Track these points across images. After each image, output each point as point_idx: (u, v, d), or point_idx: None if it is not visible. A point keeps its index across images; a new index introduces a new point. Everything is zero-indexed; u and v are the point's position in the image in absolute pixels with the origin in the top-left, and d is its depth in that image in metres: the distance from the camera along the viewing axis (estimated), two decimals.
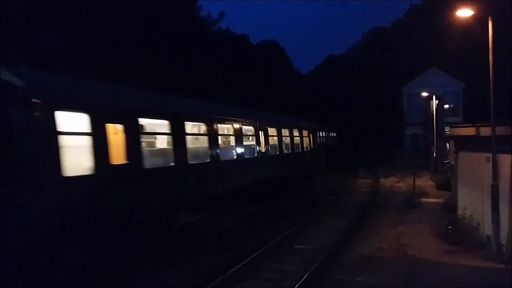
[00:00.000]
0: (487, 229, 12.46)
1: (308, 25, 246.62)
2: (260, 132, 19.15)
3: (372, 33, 75.18)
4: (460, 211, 14.56)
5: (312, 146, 28.05)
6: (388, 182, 30.23)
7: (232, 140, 16.91)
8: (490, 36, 12.46)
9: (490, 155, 12.15)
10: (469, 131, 14.83)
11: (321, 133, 34.19)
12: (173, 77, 29.95)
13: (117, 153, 10.27)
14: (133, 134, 10.89)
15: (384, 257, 11.99)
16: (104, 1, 25.91)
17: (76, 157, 9.35)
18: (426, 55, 48.80)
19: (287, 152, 23.05)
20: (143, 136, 11.70)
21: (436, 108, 34.31)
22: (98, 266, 9.44)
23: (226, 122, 16.31)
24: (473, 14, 12.93)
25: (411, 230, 15.14)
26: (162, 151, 13.01)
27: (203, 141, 14.67)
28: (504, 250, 11.72)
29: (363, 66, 65.71)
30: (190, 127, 14.25)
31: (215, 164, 14.83)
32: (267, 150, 19.79)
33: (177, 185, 12.70)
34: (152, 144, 12.99)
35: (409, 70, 48.37)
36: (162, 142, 13.25)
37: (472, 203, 13.80)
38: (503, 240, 11.88)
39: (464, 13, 13.12)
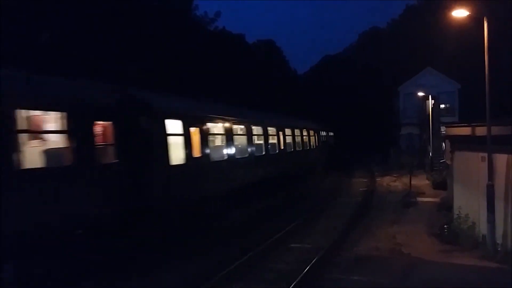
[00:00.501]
0: (483, 228, 12.50)
1: (305, 25, 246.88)
2: (279, 132, 23.01)
3: (368, 33, 75.40)
4: (455, 211, 14.60)
5: (317, 144, 32.40)
6: (384, 181, 30.29)
7: (262, 140, 20.54)
8: (485, 36, 12.51)
9: (485, 154, 12.20)
10: (465, 130, 14.91)
11: (322, 132, 37.02)
12: (169, 76, 29.88)
13: (196, 149, 14.24)
14: (204, 135, 14.86)
15: (379, 256, 12.02)
16: (102, 1, 25.84)
17: (175, 151, 12.98)
18: (422, 55, 48.90)
19: (298, 149, 26.72)
20: (209, 136, 15.57)
21: (432, 108, 34.41)
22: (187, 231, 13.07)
23: (258, 125, 20.26)
24: (469, 15, 12.98)
25: (407, 229, 15.17)
26: (219, 147, 16.89)
27: (243, 141, 18.63)
28: (499, 249, 11.77)
29: (359, 66, 65.82)
30: (238, 129, 18.28)
31: (252, 158, 19.11)
32: (285, 148, 23.62)
33: (229, 174, 16.78)
34: (213, 142, 16.63)
35: (405, 70, 48.46)
36: (219, 141, 17.17)
37: (467, 203, 13.84)
38: (499, 239, 11.93)
39: (460, 13, 13.17)
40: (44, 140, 9.67)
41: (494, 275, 10.28)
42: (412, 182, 24.48)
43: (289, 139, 24.51)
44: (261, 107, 30.63)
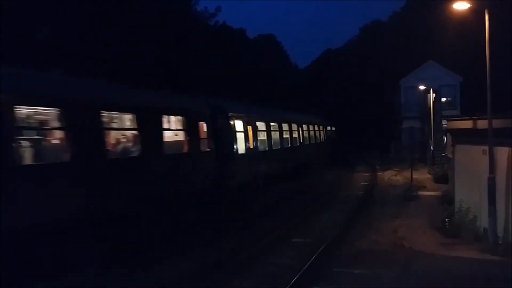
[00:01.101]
0: (484, 221, 12.51)
1: (305, 19, 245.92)
2: (299, 128, 27.93)
3: (369, 27, 74.91)
4: (457, 204, 14.62)
5: (326, 138, 37.67)
6: (386, 175, 30.30)
7: (288, 134, 25.48)
8: (486, 29, 12.46)
9: (487, 148, 12.19)
10: (466, 124, 14.83)
11: (328, 127, 40.77)
12: (168, 72, 29.85)
13: (250, 142, 19.27)
14: (254, 131, 19.86)
15: (381, 250, 12.05)
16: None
17: (240, 144, 18.11)
18: (423, 48, 48.69)
19: (312, 142, 31.54)
20: (257, 132, 20.29)
21: (433, 102, 34.36)
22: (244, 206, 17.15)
23: (285, 123, 25.18)
24: (470, 7, 12.92)
25: (408, 223, 15.21)
26: (263, 141, 21.31)
27: (276, 135, 23.34)
28: (500, 242, 11.79)
29: (360, 60, 65.54)
30: (273, 126, 22.84)
31: (282, 149, 24.10)
32: (303, 141, 28.68)
33: (268, 162, 21.36)
34: (259, 137, 20.81)
35: (406, 64, 48.27)
36: (262, 136, 21.38)
37: (469, 196, 13.85)
38: (500, 232, 11.95)
39: (461, 6, 13.11)
40: (176, 135, 14.14)
41: (496, 268, 10.30)
42: (414, 176, 24.49)
43: (306, 134, 29.58)
44: (262, 102, 31.10)
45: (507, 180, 11.82)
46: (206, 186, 15.00)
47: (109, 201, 10.48)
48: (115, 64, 24.37)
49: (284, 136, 24.79)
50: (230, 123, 17.39)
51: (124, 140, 11.96)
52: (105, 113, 10.78)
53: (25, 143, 9.02)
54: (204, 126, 15.38)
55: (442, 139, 29.50)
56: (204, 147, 15.25)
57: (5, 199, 7.95)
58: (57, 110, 9.37)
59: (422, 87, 37.55)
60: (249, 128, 19.21)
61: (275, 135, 23.12)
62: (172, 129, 13.78)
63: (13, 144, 8.38)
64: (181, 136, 14.07)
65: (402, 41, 54.85)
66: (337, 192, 23.53)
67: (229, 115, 17.43)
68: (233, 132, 17.68)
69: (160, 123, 12.86)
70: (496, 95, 12.89)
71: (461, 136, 15.22)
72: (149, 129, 12.18)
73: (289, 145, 25.40)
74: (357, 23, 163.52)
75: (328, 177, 30.12)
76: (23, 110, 8.96)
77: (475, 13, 13.63)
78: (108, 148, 11.02)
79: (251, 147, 19.32)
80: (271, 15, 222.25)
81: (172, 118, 13.76)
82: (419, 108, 42.14)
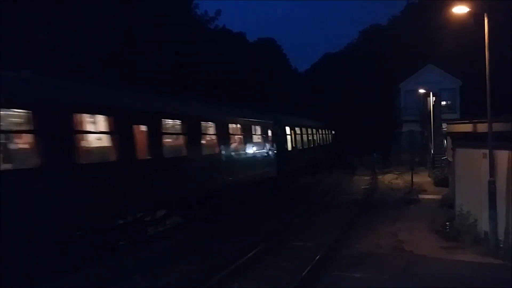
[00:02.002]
0: (485, 225, 12.48)
1: (305, 22, 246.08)
2: (316, 132, 34.60)
3: (368, 31, 75.08)
4: (457, 208, 14.59)
5: (331, 140, 42.95)
6: (386, 179, 30.28)
7: (311, 137, 32.55)
8: (486, 32, 12.47)
9: (487, 151, 12.18)
10: (466, 127, 14.81)
11: (331, 131, 44.69)
12: (169, 76, 29.87)
13: (293, 143, 27.03)
14: (295, 135, 27.61)
15: (381, 253, 12.02)
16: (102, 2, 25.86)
17: (288, 144, 25.21)
18: (423, 52, 48.74)
19: (323, 144, 37.38)
20: (296, 135, 27.72)
21: (433, 105, 34.38)
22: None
23: (309, 128, 32.33)
24: (469, 11, 12.94)
25: (409, 226, 15.17)
26: (299, 142, 28.67)
27: (305, 137, 30.56)
28: (501, 245, 11.76)
29: (360, 64, 65.62)
30: (304, 130, 30.27)
31: (309, 149, 31.46)
32: (318, 143, 35.46)
33: (301, 158, 28.88)
34: (297, 139, 28.17)
35: (406, 67, 48.30)
36: (299, 138, 28.62)
37: (469, 199, 13.82)
38: (501, 236, 11.91)
39: (460, 10, 13.13)
40: (259, 139, 20.90)
41: (496, 272, 10.27)
42: (414, 180, 24.47)
43: (319, 137, 35.78)
44: (262, 105, 31.45)
45: (507, 183, 11.79)
46: (271, 172, 22.38)
47: (213, 185, 16.24)
48: (114, 68, 24.38)
49: (308, 139, 31.78)
50: (283, 129, 25.18)
51: (232, 143, 18.25)
52: (209, 124, 16.54)
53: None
54: (270, 132, 22.59)
55: (442, 142, 29.49)
56: (271, 146, 22.54)
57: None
58: (179, 122, 14.55)
59: (421, 91, 37.58)
60: (292, 132, 27.07)
61: (304, 138, 30.19)
62: (258, 134, 21.01)
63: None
64: (261, 139, 21.33)
65: (402, 45, 54.92)
66: (337, 195, 23.53)
67: (282, 124, 25.13)
68: (285, 135, 25.53)
69: (252, 131, 20.31)
70: (496, 98, 12.89)
71: (461, 140, 15.19)
72: (248, 135, 19.63)
73: (311, 146, 32.53)
74: (356, 27, 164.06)
75: (329, 180, 30.13)
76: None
77: (475, 17, 13.65)
78: (216, 147, 16.80)
79: (294, 146, 27.33)
80: (271, 19, 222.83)
81: (258, 127, 20.98)
82: (419, 112, 42.19)
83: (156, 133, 13.12)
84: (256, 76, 47.64)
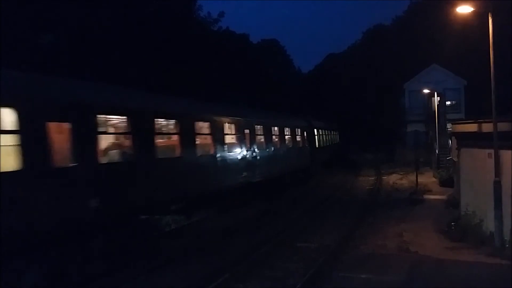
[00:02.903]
0: (490, 225, 12.44)
1: (308, 24, 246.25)
2: (329, 132, 39.92)
3: (372, 31, 74.96)
4: (463, 208, 14.54)
5: (338, 141, 47.90)
6: (391, 179, 30.22)
7: (327, 137, 39.20)
8: (490, 32, 12.44)
9: (492, 151, 12.14)
10: (471, 127, 14.77)
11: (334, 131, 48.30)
12: (172, 77, 29.94)
13: (320, 141, 34.63)
14: (318, 135, 33.81)
15: (387, 254, 11.99)
16: (102, 1, 25.93)
17: (316, 142, 32.66)
18: (427, 52, 48.63)
19: (331, 143, 41.75)
20: (319, 135, 34.41)
21: (437, 105, 34.28)
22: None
23: (325, 129, 38.27)
24: (473, 10, 12.91)
25: (414, 227, 15.13)
26: (321, 140, 34.97)
27: (324, 137, 36.77)
28: (507, 245, 11.71)
29: (364, 64, 65.52)
30: (324, 131, 37.13)
31: (326, 147, 37.55)
32: (331, 142, 41.61)
33: (322, 154, 35.41)
34: (320, 138, 34.51)
35: (410, 67, 48.21)
36: (321, 138, 35.17)
37: (475, 199, 13.78)
38: (506, 235, 11.87)
39: (464, 9, 13.11)
40: (299, 138, 27.90)
41: (502, 272, 10.22)
42: (419, 180, 24.40)
43: (331, 137, 41.43)
44: (265, 106, 31.81)
45: None
46: (306, 163, 28.99)
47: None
48: (117, 69, 24.44)
49: (325, 139, 37.61)
50: (313, 131, 31.61)
51: (288, 142, 25.22)
52: (275, 129, 23.10)
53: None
54: (305, 133, 29.32)
55: (447, 142, 29.40)
56: (305, 144, 29.31)
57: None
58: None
59: (426, 91, 37.48)
60: (318, 133, 33.74)
61: (322, 138, 36.35)
62: (300, 135, 28.14)
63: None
64: (302, 138, 28.59)
65: (406, 45, 54.79)
66: (342, 196, 23.50)
67: (313, 127, 31.90)
68: (314, 135, 31.89)
69: (297, 132, 27.42)
70: (500, 98, 12.85)
71: (466, 140, 15.14)
72: (293, 136, 26.49)
73: (327, 144, 38.40)
74: (360, 28, 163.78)
75: (332, 181, 30.09)
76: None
77: (479, 16, 13.61)
78: (279, 145, 23.47)
79: (319, 144, 34.11)
80: (275, 20, 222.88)
81: (299, 129, 28.21)
82: (424, 112, 42.08)
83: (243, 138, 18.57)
84: (258, 77, 47.66)
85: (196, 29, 36.85)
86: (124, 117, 11.43)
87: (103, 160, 10.83)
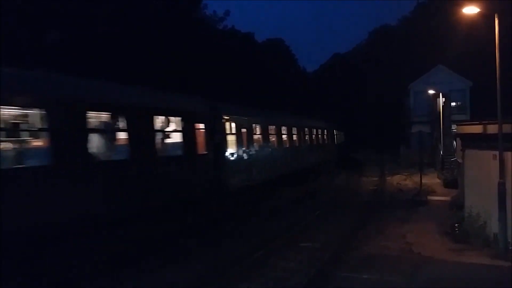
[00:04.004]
0: (494, 227, 12.38)
1: (314, 23, 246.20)
2: (336, 132, 41.84)
3: (378, 31, 74.87)
4: (467, 209, 14.47)
5: (344, 140, 50.57)
6: (395, 180, 30.14)
7: (339, 137, 44.11)
8: (496, 33, 12.38)
9: (497, 152, 12.08)
10: (476, 128, 14.74)
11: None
12: (177, 76, 29.97)
13: (337, 140, 42.43)
14: (335, 135, 40.45)
15: (389, 255, 11.96)
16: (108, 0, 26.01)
17: (335, 141, 40.39)
18: (433, 53, 48.50)
19: (336, 143, 43.12)
20: (335, 135, 40.53)
21: (442, 106, 34.14)
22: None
23: (336, 130, 41.69)
24: (479, 12, 12.85)
25: (417, 228, 15.09)
26: (337, 139, 41.93)
27: (338, 138, 43.04)
28: (511, 248, 11.65)
29: (369, 64, 65.44)
30: (336, 132, 41.02)
31: (337, 145, 41.19)
32: (340, 142, 45.41)
33: (338, 151, 41.63)
34: (336, 138, 41.05)
35: (416, 68, 48.10)
36: (336, 138, 41.33)
37: (479, 201, 13.71)
38: (510, 238, 11.81)
39: (471, 10, 13.05)
40: (326, 137, 35.48)
41: (506, 274, 10.17)
42: (423, 181, 24.30)
43: (338, 137, 44.30)
44: (269, 106, 31.75)
45: None
46: (335, 157, 37.28)
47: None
48: (122, 67, 24.47)
49: (336, 138, 41.16)
50: (333, 131, 38.83)
51: (325, 140, 34.32)
52: (319, 131, 32.32)
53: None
54: (325, 132, 34.74)
55: (452, 143, 29.28)
56: (330, 141, 36.47)
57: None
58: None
59: (431, 92, 37.33)
60: (335, 133, 40.08)
61: (335, 137, 40.67)
62: (325, 134, 34.29)
63: None
64: (326, 137, 34.58)
65: (411, 45, 54.73)
66: (345, 196, 23.45)
67: (334, 128, 39.36)
68: (335, 135, 39.56)
69: (331, 133, 36.18)
70: (506, 99, 12.79)
71: (471, 141, 15.08)
72: (329, 135, 36.01)
73: (337, 143, 41.91)
74: (366, 28, 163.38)
75: (336, 181, 30.07)
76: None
77: (485, 17, 13.55)
78: (321, 141, 32.52)
79: (337, 142, 40.93)
80: (280, 19, 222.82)
81: (325, 131, 34.47)
82: (429, 113, 41.91)
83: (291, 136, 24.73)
84: (264, 76, 47.65)
85: (201, 28, 36.89)
86: (308, 129, 28.61)
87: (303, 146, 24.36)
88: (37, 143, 9.34)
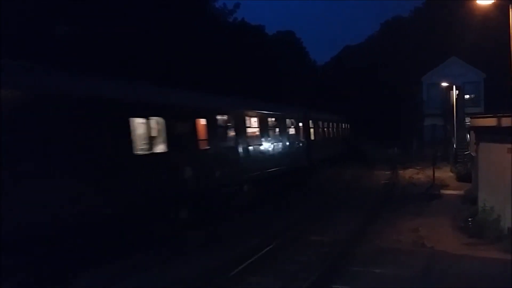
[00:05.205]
0: (508, 221, 12.27)
1: (325, 15, 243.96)
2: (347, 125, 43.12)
3: (390, 23, 74.00)
4: (480, 203, 14.33)
5: (355, 132, 51.10)
6: (407, 173, 29.94)
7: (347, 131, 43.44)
8: (510, 24, 12.17)
9: (511, 146, 11.91)
10: (490, 121, 14.52)
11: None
12: (187, 71, 29.98)
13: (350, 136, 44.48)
14: (346, 127, 41.87)
15: (402, 249, 11.91)
16: None
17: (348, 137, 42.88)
18: (446, 44, 47.87)
19: (351, 135, 45.79)
20: (347, 129, 42.59)
21: (456, 99, 33.78)
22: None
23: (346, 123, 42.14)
24: (494, 2, 12.65)
25: (430, 222, 14.99)
26: (350, 131, 44.72)
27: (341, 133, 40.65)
28: None
29: (381, 56, 64.81)
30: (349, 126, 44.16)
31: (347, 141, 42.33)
32: (350, 134, 45.09)
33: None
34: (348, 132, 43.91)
35: (429, 60, 47.56)
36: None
37: (493, 195, 13.57)
38: None
39: (484, 1, 12.86)
40: (345, 131, 40.76)
41: None
42: (436, 175, 24.08)
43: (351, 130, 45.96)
44: (280, 99, 31.88)
45: None
46: (346, 149, 38.87)
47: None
48: (130, 61, 24.50)
49: (350, 131, 44.29)
50: (348, 127, 41.82)
51: (343, 133, 39.01)
52: (334, 125, 35.07)
53: None
54: (341, 125, 37.80)
55: (465, 137, 28.98)
56: (345, 133, 39.86)
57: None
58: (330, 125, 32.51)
59: (444, 84, 36.95)
60: (348, 127, 42.02)
61: (350, 130, 43.76)
62: (343, 128, 38.40)
63: None
64: (344, 131, 39.44)
65: (424, 37, 54.03)
66: (357, 190, 23.39)
67: (346, 120, 40.73)
68: (348, 130, 42.54)
69: (341, 127, 37.75)
70: None
71: (485, 134, 14.90)
72: (345, 130, 40.33)
73: (351, 135, 44.61)
74: (378, 19, 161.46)
75: (348, 175, 29.97)
76: None
77: (499, 8, 13.33)
78: (336, 135, 35.61)
79: (349, 135, 42.62)
80: (291, 11, 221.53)
81: (346, 125, 39.88)
82: (442, 105, 41.52)
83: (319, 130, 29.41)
84: (274, 68, 47.50)
85: (213, 21, 36.84)
86: (330, 124, 33.76)
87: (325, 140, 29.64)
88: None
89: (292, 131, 22.90)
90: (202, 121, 14.04)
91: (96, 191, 9.93)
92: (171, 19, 30.16)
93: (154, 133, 11.75)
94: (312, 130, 26.92)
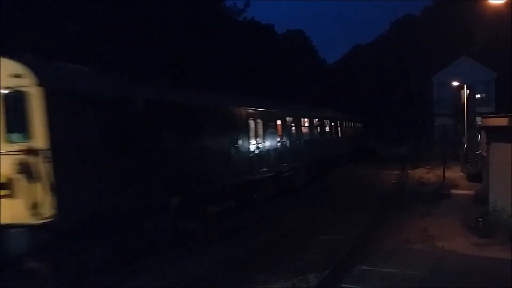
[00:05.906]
0: None
1: (334, 14, 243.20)
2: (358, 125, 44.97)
3: (400, 22, 73.63)
4: (491, 203, 14.23)
5: (365, 131, 52.50)
6: (417, 173, 29.79)
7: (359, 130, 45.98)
8: None
9: None
10: (502, 121, 14.43)
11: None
12: (198, 70, 30.08)
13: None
14: (360, 129, 45.64)
15: (411, 248, 11.88)
16: None
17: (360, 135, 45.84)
18: (457, 43, 47.53)
19: (362, 133, 47.62)
20: (360, 128, 46.14)
21: (467, 98, 33.55)
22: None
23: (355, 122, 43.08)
24: (505, 1, 12.56)
25: (440, 222, 14.93)
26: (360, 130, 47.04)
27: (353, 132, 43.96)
28: None
29: (391, 55, 64.52)
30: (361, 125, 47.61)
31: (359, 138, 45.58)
32: (360, 133, 46.59)
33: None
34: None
35: (439, 59, 47.24)
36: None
37: (504, 195, 13.46)
38: None
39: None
40: (359, 130, 44.76)
41: None
42: (446, 174, 23.97)
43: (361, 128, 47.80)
44: (290, 98, 31.85)
45: None
46: (357, 147, 40.45)
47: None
48: (140, 59, 24.62)
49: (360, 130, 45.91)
50: (360, 125, 43.90)
51: (356, 132, 42.59)
52: (351, 124, 39.76)
53: None
54: (356, 125, 41.47)
55: (476, 136, 28.76)
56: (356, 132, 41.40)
57: None
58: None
59: (455, 83, 36.71)
60: (361, 126, 44.68)
61: (360, 129, 45.39)
62: (357, 127, 41.95)
63: None
64: (358, 129, 43.35)
65: (435, 36, 53.63)
66: (367, 188, 23.36)
67: (356, 119, 41.85)
68: (361, 128, 44.76)
69: (356, 126, 41.33)
70: None
71: (496, 134, 14.79)
72: (359, 130, 43.53)
73: (361, 134, 46.26)
74: (388, 18, 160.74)
75: (358, 173, 29.93)
76: None
77: (511, 7, 13.23)
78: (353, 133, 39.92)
79: (359, 134, 43.84)
80: (300, 10, 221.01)
81: (359, 124, 43.73)
82: (452, 105, 41.25)
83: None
84: (284, 67, 47.50)
85: (223, 20, 36.90)
86: (352, 124, 40.68)
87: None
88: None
89: (327, 129, 28.83)
90: (278, 122, 19.64)
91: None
92: (181, 19, 30.25)
93: (259, 129, 17.37)
94: (339, 129, 32.51)
